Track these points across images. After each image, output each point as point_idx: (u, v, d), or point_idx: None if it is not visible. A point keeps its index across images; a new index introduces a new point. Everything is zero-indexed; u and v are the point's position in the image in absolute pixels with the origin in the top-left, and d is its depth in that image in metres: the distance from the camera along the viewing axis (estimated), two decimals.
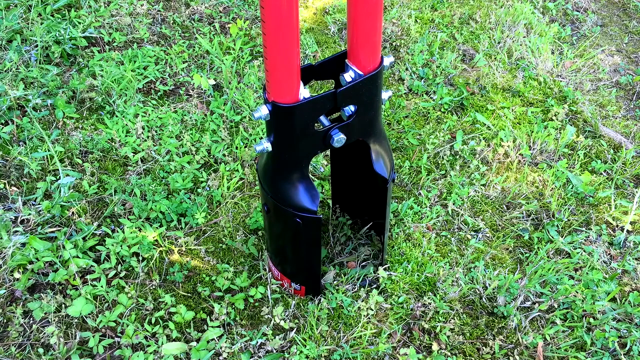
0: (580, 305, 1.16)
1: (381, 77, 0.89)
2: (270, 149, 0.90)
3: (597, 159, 1.49)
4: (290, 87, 0.82)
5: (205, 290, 1.16)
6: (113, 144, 1.43)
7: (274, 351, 1.08)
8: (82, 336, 1.09)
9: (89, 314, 1.12)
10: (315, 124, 0.88)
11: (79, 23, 1.73)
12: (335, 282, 1.18)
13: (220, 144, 1.43)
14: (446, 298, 1.17)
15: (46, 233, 1.24)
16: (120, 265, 1.20)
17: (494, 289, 1.18)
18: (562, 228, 1.32)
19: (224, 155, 1.42)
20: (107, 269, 1.19)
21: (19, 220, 1.26)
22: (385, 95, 0.93)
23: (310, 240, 1.02)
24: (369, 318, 1.13)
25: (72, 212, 1.27)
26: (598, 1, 2.09)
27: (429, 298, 1.16)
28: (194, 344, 1.08)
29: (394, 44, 1.78)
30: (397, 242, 1.26)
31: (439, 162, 1.45)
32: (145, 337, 1.09)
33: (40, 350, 1.06)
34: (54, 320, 1.10)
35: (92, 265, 1.18)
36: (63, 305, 1.12)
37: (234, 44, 1.71)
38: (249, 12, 1.88)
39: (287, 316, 1.13)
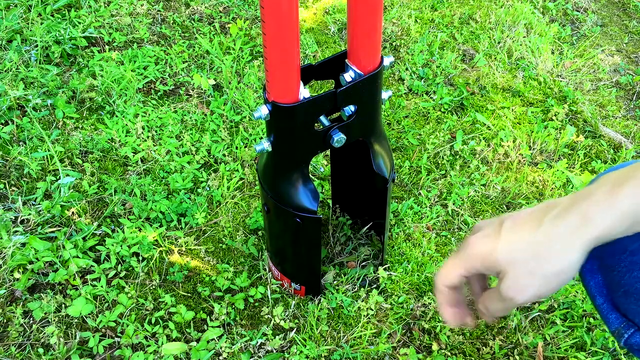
0: (580, 305, 1.16)
1: (381, 77, 0.89)
2: (270, 149, 0.90)
3: (597, 159, 1.49)
4: (290, 87, 0.82)
5: (205, 290, 1.16)
6: (113, 144, 1.43)
7: (274, 351, 1.08)
8: (82, 336, 1.09)
9: (89, 314, 1.12)
10: (315, 124, 0.89)
11: (79, 23, 1.73)
12: (335, 282, 1.18)
13: (220, 144, 1.43)
14: None
15: (46, 233, 1.24)
16: (120, 265, 1.20)
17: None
18: None
19: (224, 155, 1.42)
20: (107, 269, 1.19)
21: (19, 220, 1.26)
22: (385, 95, 0.93)
23: (310, 240, 1.02)
24: (369, 318, 1.13)
25: (72, 212, 1.27)
26: (598, 1, 2.09)
27: (429, 298, 1.16)
28: (194, 344, 1.08)
29: (394, 44, 1.78)
30: (397, 242, 1.26)
31: (439, 162, 1.45)
32: (145, 337, 1.09)
33: (40, 350, 1.06)
34: (54, 320, 1.10)
35: (92, 265, 1.18)
36: (63, 305, 1.12)
37: (234, 44, 1.71)
38: (249, 12, 1.88)
39: (287, 316, 1.13)
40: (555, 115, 1.58)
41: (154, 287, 1.17)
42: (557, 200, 0.56)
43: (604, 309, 0.62)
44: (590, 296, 0.63)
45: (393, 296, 1.17)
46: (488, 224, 0.59)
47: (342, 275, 1.20)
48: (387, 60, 0.89)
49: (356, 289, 1.18)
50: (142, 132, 1.44)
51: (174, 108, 1.54)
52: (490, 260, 0.57)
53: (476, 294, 0.65)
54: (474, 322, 0.66)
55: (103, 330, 1.11)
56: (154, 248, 1.22)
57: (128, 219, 1.28)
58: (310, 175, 1.23)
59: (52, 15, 1.75)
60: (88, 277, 1.17)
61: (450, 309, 0.64)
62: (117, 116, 1.49)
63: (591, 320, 1.14)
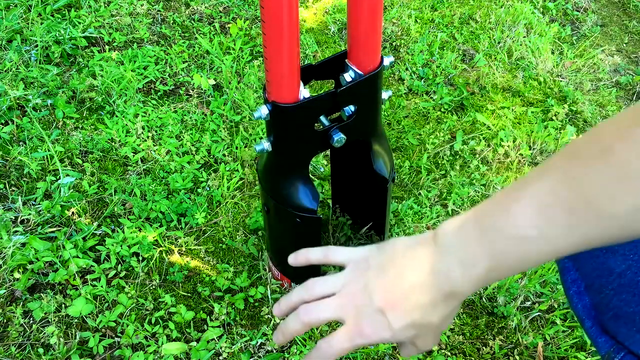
0: None
1: (381, 77, 0.89)
2: (270, 149, 0.90)
3: None
4: (290, 87, 0.82)
5: (205, 290, 1.16)
6: (113, 144, 1.43)
7: (274, 351, 1.08)
8: (82, 336, 1.09)
9: (89, 314, 1.12)
10: (315, 124, 0.89)
11: (79, 23, 1.73)
12: None
13: (220, 144, 1.43)
14: None
15: (46, 233, 1.24)
16: (120, 265, 1.20)
17: (494, 289, 1.18)
18: None
19: (224, 155, 1.42)
20: (107, 269, 1.19)
21: (19, 220, 1.26)
22: (385, 95, 0.93)
23: (310, 240, 1.02)
24: None
25: (72, 212, 1.27)
26: (598, 1, 2.09)
27: None
28: (194, 344, 1.08)
29: (394, 44, 1.78)
30: None
31: (439, 162, 1.45)
32: (145, 337, 1.09)
33: (40, 350, 1.06)
34: (54, 320, 1.10)
35: (92, 265, 1.18)
36: (63, 305, 1.12)
37: (234, 44, 1.71)
38: (249, 12, 1.88)
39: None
40: (555, 115, 1.58)
41: (154, 287, 1.17)
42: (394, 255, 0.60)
43: (593, 332, 0.61)
44: (578, 319, 0.62)
45: None
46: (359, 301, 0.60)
47: None
48: (387, 60, 0.89)
49: None
50: (142, 132, 1.44)
51: (174, 108, 1.54)
52: (390, 342, 0.61)
53: None
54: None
55: (103, 330, 1.11)
56: (154, 248, 1.22)
57: (128, 219, 1.28)
58: (310, 175, 1.23)
59: (52, 15, 1.75)
60: (88, 277, 1.17)
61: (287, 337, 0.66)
62: (117, 116, 1.49)
63: None
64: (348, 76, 0.88)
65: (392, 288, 0.57)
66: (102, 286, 1.15)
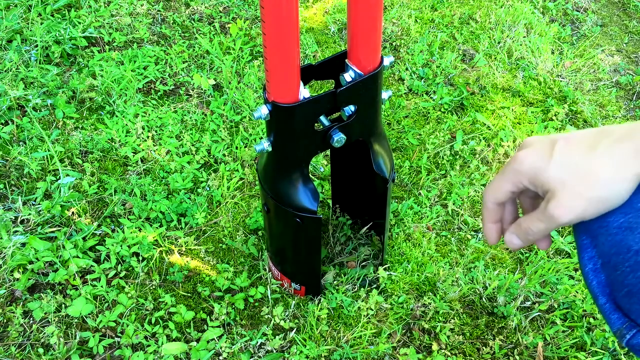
0: (580, 305, 1.16)
1: (381, 77, 0.89)
2: (270, 149, 0.90)
3: None
4: (290, 87, 0.82)
5: (205, 290, 1.16)
6: (113, 144, 1.43)
7: (274, 351, 1.08)
8: (82, 336, 1.09)
9: (89, 314, 1.12)
10: (315, 124, 0.89)
11: (79, 23, 1.73)
12: (335, 282, 1.18)
13: (220, 144, 1.43)
14: (446, 298, 1.17)
15: (46, 233, 1.24)
16: (120, 265, 1.20)
17: (494, 289, 1.18)
18: (562, 228, 1.32)
19: (224, 155, 1.42)
20: (107, 269, 1.19)
21: (19, 220, 1.26)
22: (385, 95, 0.93)
23: (310, 240, 1.02)
24: (369, 318, 1.13)
25: (72, 212, 1.27)
26: (598, 1, 2.09)
27: (429, 298, 1.16)
28: (194, 344, 1.08)
29: (394, 44, 1.78)
30: (397, 242, 1.26)
31: (439, 162, 1.45)
32: (145, 337, 1.09)
33: (40, 350, 1.06)
34: (54, 320, 1.10)
35: (92, 265, 1.18)
36: (63, 305, 1.12)
37: (234, 44, 1.71)
38: (249, 12, 1.88)
39: (287, 316, 1.13)
40: (555, 115, 1.58)
41: (154, 287, 1.17)
42: (612, 127, 0.56)
43: (607, 309, 0.61)
44: (593, 296, 0.63)
45: (393, 296, 1.17)
46: (539, 141, 0.59)
47: (342, 275, 1.20)
48: (387, 60, 0.89)
49: (356, 289, 1.18)
50: (142, 132, 1.44)
51: (174, 108, 1.54)
52: (540, 178, 0.57)
53: (526, 212, 0.66)
54: (517, 242, 0.64)
55: (103, 330, 1.11)
56: (154, 248, 1.22)
57: (128, 219, 1.28)
58: (310, 175, 1.23)
59: (52, 15, 1.75)
60: (88, 277, 1.17)
61: (491, 224, 0.64)
62: (117, 116, 1.49)
63: (591, 320, 1.14)
64: (348, 76, 0.88)
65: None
66: (102, 286, 1.15)
